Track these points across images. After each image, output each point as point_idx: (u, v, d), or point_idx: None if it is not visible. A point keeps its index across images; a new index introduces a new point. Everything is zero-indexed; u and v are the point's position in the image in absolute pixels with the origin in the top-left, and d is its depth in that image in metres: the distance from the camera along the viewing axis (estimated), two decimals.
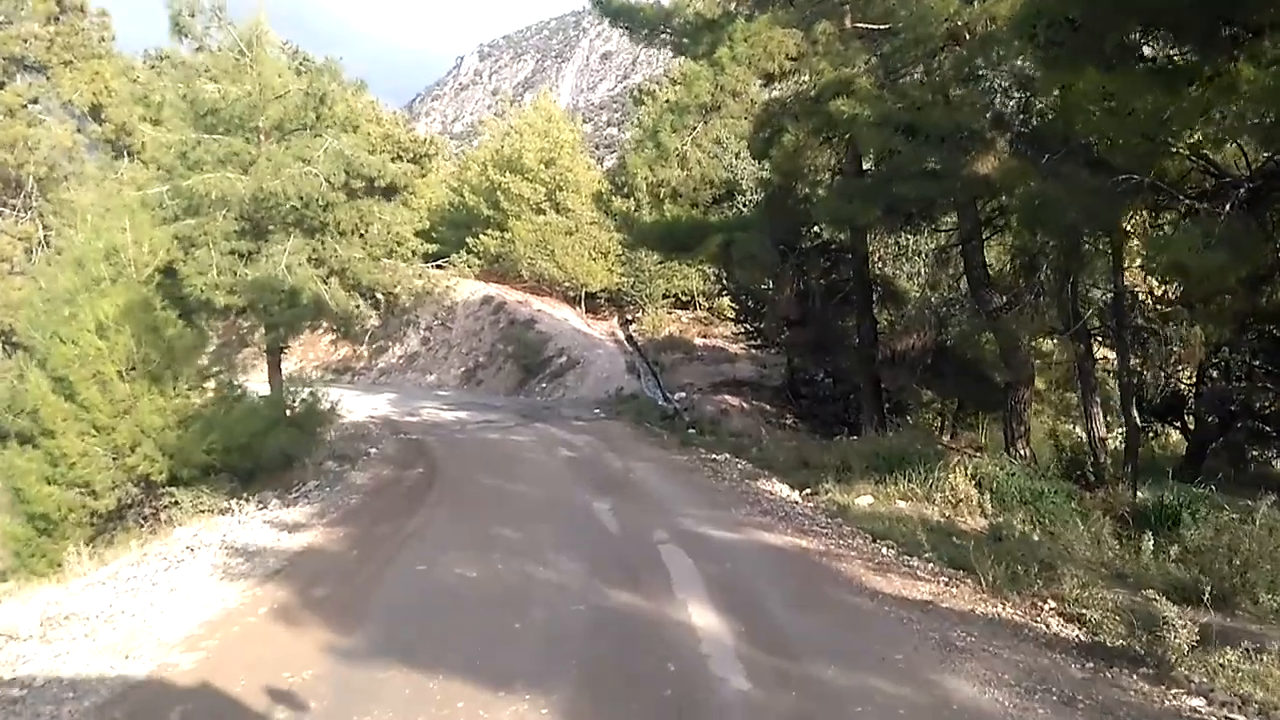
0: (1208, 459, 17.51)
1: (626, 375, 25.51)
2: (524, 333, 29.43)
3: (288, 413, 13.64)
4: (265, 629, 5.93)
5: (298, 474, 12.02)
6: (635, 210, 23.73)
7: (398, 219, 15.19)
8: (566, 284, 33.68)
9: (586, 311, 34.55)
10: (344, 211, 14.43)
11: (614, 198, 20.24)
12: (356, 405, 22.25)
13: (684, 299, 34.09)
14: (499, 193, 34.76)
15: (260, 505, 10.07)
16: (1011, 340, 12.36)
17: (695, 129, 12.50)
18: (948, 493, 9.56)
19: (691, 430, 16.76)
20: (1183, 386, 18.81)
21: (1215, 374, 17.62)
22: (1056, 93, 9.60)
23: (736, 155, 28.74)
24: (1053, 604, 6.23)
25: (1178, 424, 19.92)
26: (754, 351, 27.85)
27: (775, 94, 13.70)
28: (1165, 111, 7.08)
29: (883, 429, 16.64)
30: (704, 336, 30.59)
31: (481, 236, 35.38)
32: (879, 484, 10.26)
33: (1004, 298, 12.80)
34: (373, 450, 14.11)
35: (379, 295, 16.18)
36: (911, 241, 17.82)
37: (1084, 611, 5.92)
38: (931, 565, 7.18)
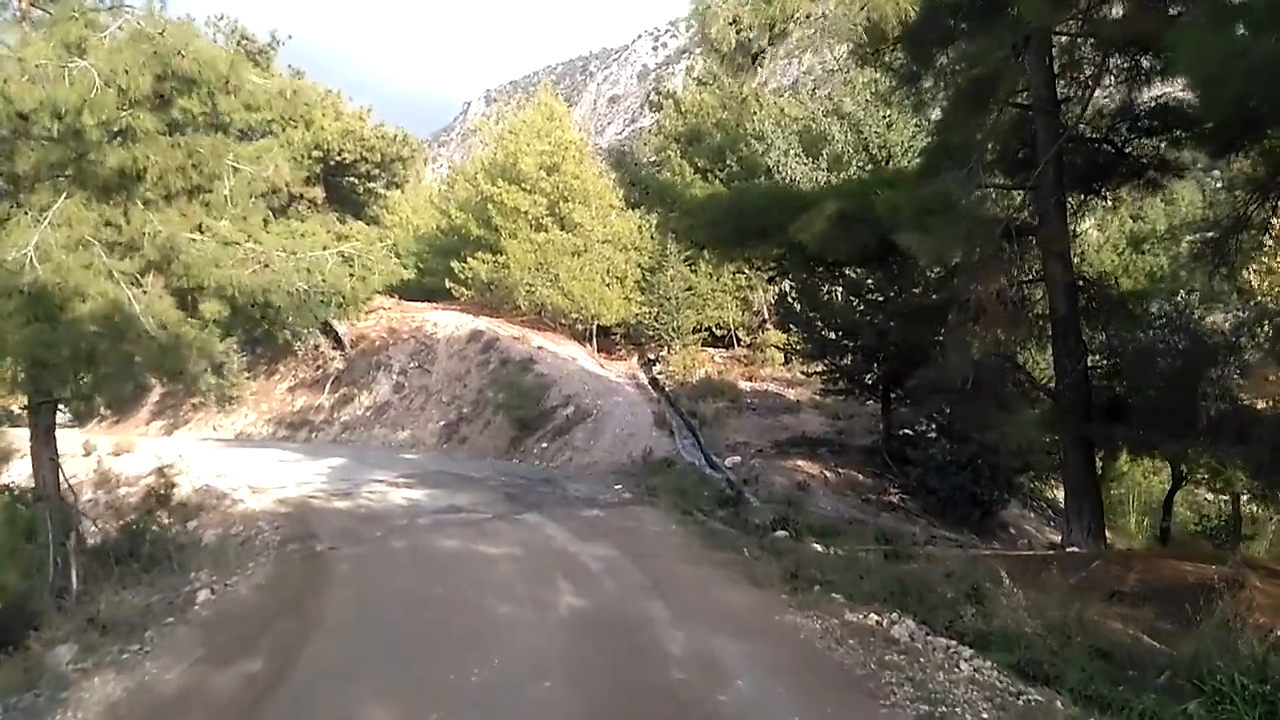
0: None
1: (655, 431, 18.85)
2: (519, 376, 22.82)
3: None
4: None
5: None
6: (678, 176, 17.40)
7: (264, 167, 8.60)
8: (574, 316, 27.15)
9: (599, 350, 28.02)
10: (161, 152, 7.91)
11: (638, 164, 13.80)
12: (278, 478, 15.66)
13: (719, 333, 27.55)
14: (490, 206, 28.44)
15: None
16: None
17: None
18: None
19: (782, 532, 10.02)
20: None
21: None
22: None
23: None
24: None
25: None
26: (819, 398, 21.23)
27: None
28: None
29: (1099, 532, 9.96)
30: (750, 379, 23.97)
31: (470, 260, 28.99)
32: None
33: None
34: (206, 594, 7.43)
35: (264, 317, 9.62)
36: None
37: None
38: None
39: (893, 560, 8.43)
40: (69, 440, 21.75)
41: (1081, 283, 9.99)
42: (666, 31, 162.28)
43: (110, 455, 19.85)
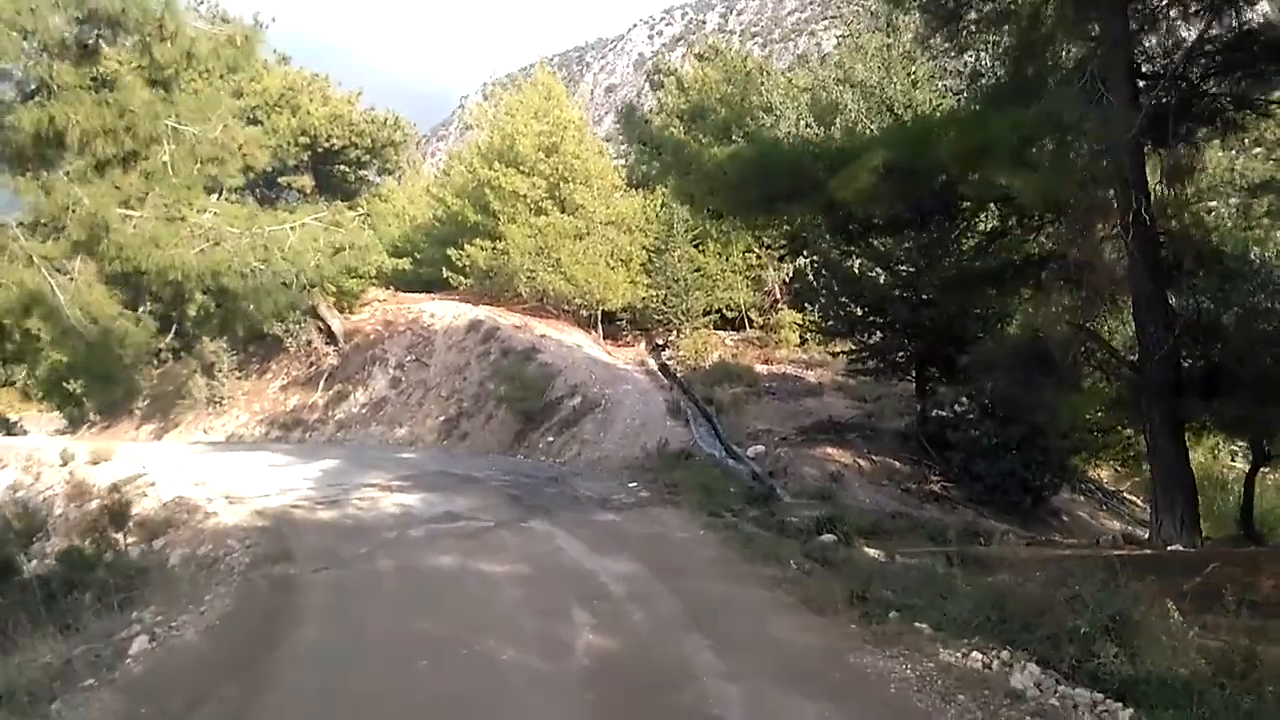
0: None
1: (669, 421, 17.46)
2: (521, 366, 21.46)
3: None
4: None
5: None
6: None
7: (212, 127, 7.16)
8: (578, 301, 25.75)
9: (605, 337, 26.64)
10: (85, 111, 6.51)
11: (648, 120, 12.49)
12: (261, 486, 14.20)
13: (730, 315, 26.16)
14: (488, 190, 27.00)
15: None
16: None
17: None
18: None
19: (829, 536, 8.66)
20: None
21: None
22: None
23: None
24: None
25: None
26: (841, 379, 19.88)
27: None
28: None
29: (1194, 525, 8.61)
30: (766, 362, 22.60)
31: (468, 248, 27.58)
32: None
33: None
34: (143, 642, 6.09)
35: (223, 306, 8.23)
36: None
37: None
38: None
39: (970, 568, 7.08)
40: (52, 448, 20.52)
41: (1164, 237, 8.56)
42: (662, 20, 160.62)
43: (87, 464, 18.53)
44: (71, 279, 6.80)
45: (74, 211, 6.84)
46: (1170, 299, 8.55)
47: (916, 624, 5.49)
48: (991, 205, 10.80)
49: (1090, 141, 6.67)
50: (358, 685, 5.24)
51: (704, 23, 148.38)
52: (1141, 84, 8.40)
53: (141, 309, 7.27)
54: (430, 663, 5.47)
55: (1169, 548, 7.83)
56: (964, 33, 9.79)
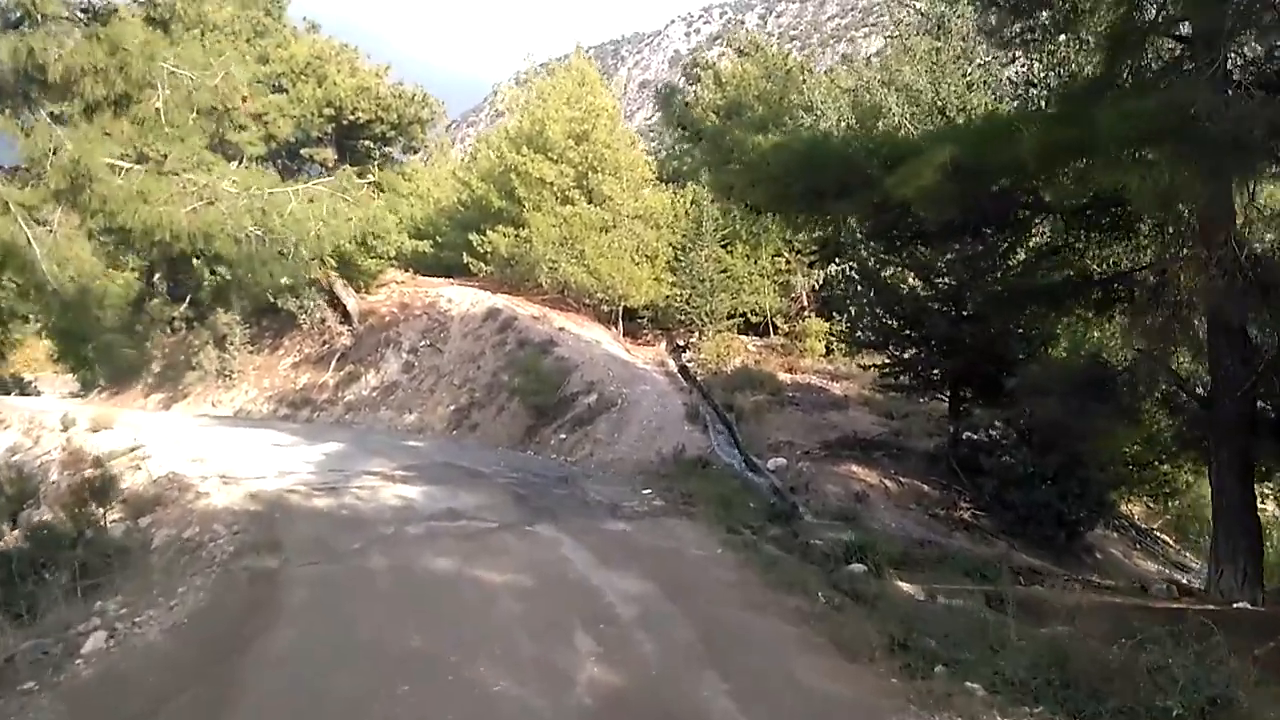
0: None
1: (687, 426, 16.77)
2: (537, 359, 20.80)
3: None
4: None
5: None
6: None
7: (211, 75, 6.52)
8: (599, 296, 25.08)
9: (624, 334, 25.95)
10: (72, 46, 5.90)
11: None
12: (259, 466, 13.68)
13: (754, 320, 25.39)
14: (514, 176, 26.38)
15: None
16: None
17: None
18: None
19: (859, 565, 7.96)
20: None
21: None
22: None
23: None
24: None
25: None
26: (868, 393, 19.10)
27: None
28: None
29: (1257, 578, 7.87)
30: (789, 370, 21.80)
31: (490, 234, 26.96)
32: None
33: None
34: (100, 639, 5.50)
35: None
36: None
37: None
38: None
39: (1018, 613, 6.37)
40: (56, 411, 20.11)
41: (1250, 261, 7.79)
42: (700, 17, 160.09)
43: (87, 431, 18.05)
44: (51, 231, 6.21)
45: (55, 156, 6.23)
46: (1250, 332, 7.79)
47: (968, 683, 4.80)
48: (1051, 216, 10.04)
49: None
50: (332, 702, 4.62)
51: (743, 23, 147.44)
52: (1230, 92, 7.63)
53: (157, 275, 6.68)
54: (415, 681, 4.84)
55: (1234, 604, 7.10)
56: (1036, 29, 9.07)
